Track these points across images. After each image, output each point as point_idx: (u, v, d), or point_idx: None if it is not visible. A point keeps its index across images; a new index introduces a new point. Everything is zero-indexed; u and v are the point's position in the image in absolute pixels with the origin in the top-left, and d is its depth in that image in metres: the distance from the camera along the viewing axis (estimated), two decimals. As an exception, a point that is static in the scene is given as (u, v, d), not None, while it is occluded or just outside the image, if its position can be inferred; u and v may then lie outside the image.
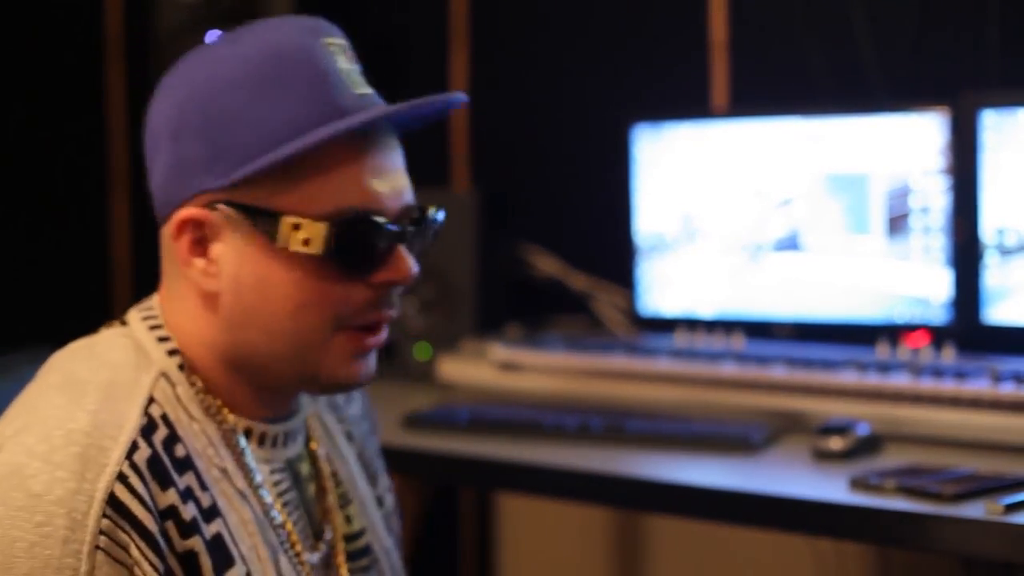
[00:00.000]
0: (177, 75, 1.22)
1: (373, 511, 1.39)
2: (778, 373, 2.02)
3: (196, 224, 1.19)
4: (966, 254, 2.02)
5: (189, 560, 1.14)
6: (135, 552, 1.10)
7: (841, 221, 2.16)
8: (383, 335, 1.24)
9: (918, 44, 2.27)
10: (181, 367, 1.22)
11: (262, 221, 1.17)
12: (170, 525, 1.13)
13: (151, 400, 1.18)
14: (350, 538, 1.34)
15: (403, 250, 1.22)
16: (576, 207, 2.72)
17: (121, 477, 1.11)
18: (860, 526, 1.64)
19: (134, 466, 1.12)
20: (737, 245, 2.27)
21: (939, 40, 2.26)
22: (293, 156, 1.15)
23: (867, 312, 2.15)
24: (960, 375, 1.88)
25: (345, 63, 1.21)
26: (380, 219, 1.19)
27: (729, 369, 2.07)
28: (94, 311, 1.78)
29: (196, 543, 1.14)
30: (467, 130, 2.85)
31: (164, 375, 1.20)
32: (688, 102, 2.54)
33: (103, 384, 1.17)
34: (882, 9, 2.32)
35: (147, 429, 1.15)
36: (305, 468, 1.31)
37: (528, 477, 1.90)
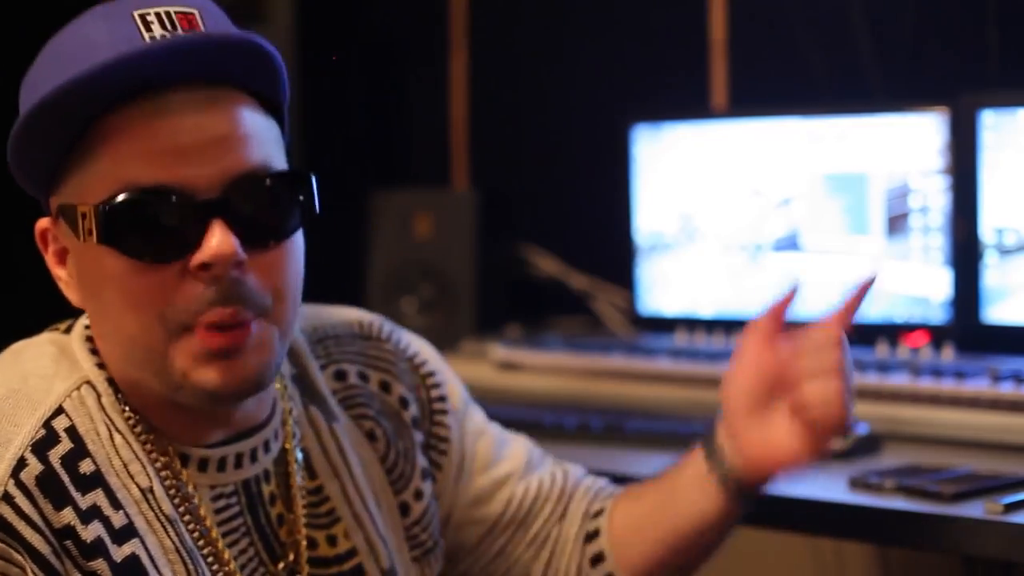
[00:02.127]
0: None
1: (377, 527, 1.26)
2: (778, 373, 2.01)
3: (52, 235, 1.14)
4: (965, 254, 2.01)
5: None
6: (31, 574, 1.04)
7: (840, 221, 2.16)
8: (239, 333, 1.08)
9: (917, 44, 2.27)
10: (111, 380, 1.14)
11: (70, 218, 1.09)
12: (69, 545, 1.07)
13: (58, 412, 1.10)
14: (330, 562, 1.23)
15: (221, 225, 1.06)
16: (576, 207, 2.72)
17: (6, 497, 1.05)
18: (859, 526, 1.64)
19: (20, 484, 1.06)
20: (737, 245, 2.27)
21: (938, 40, 2.26)
22: (34, 125, 1.04)
23: (866, 312, 2.15)
24: (959, 375, 1.88)
25: (160, 30, 1.07)
26: (168, 193, 1.05)
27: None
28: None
29: (100, 566, 1.07)
30: (467, 130, 2.85)
31: (89, 383, 1.13)
32: (688, 102, 2.54)
33: (4, 395, 1.11)
34: (881, 9, 2.32)
35: (41, 443, 1.08)
36: (270, 487, 1.20)
37: (528, 477, 1.90)
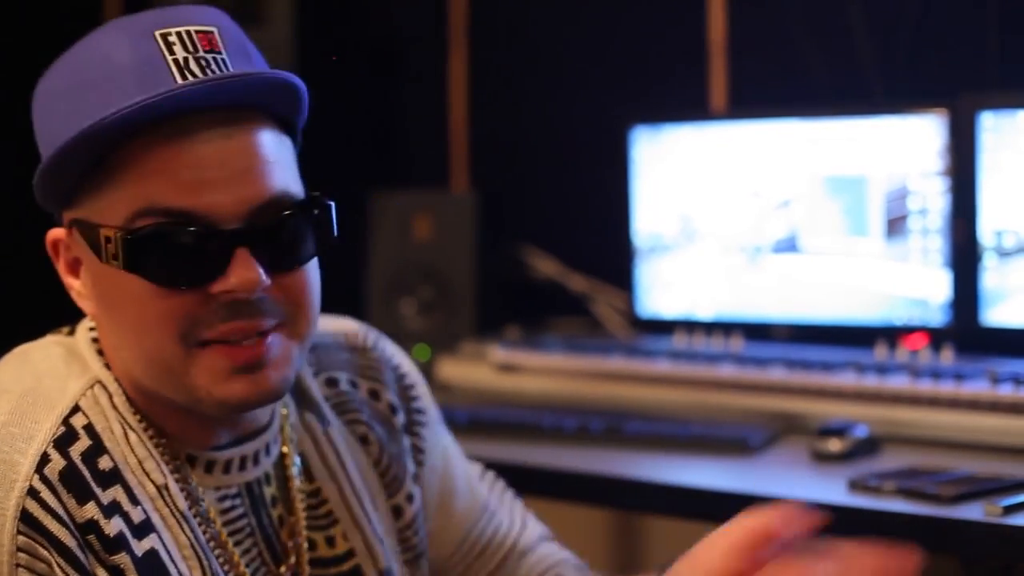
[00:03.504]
0: (38, 85, 1.16)
1: (374, 529, 1.28)
2: (777, 375, 2.02)
3: (65, 245, 1.15)
4: (965, 256, 2.02)
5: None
6: (57, 569, 1.05)
7: (840, 223, 2.16)
8: (261, 348, 1.10)
9: (917, 46, 2.27)
10: (119, 381, 1.15)
11: (90, 237, 1.10)
12: (92, 539, 1.08)
13: (75, 410, 1.12)
14: (329, 562, 1.25)
15: (245, 255, 1.08)
16: (575, 208, 2.72)
17: (32, 492, 1.06)
18: (859, 528, 1.64)
19: (45, 479, 1.07)
20: (736, 247, 2.27)
21: (938, 42, 2.26)
22: (73, 151, 1.06)
23: (866, 314, 2.15)
24: (959, 377, 1.88)
25: (182, 52, 1.08)
26: (192, 220, 1.06)
27: (728, 371, 2.07)
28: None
29: (123, 559, 1.08)
30: (466, 131, 2.85)
31: (100, 383, 1.14)
32: (687, 104, 2.54)
33: (21, 393, 1.12)
34: (881, 11, 2.32)
35: (62, 440, 1.09)
36: (271, 490, 1.22)
37: (527, 478, 1.90)
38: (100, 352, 1.17)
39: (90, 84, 1.08)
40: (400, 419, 1.35)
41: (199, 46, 1.09)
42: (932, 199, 2.07)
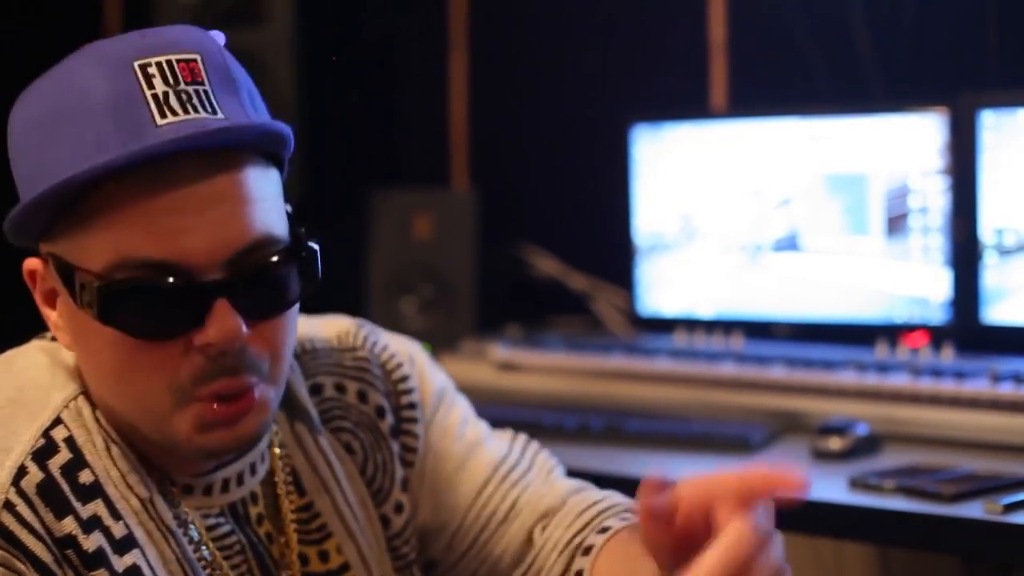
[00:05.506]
0: (14, 108, 1.11)
1: (367, 538, 1.25)
2: (777, 373, 2.02)
3: (41, 276, 1.11)
4: (965, 254, 2.02)
5: None
6: None
7: (840, 221, 2.16)
8: (248, 403, 1.07)
9: (917, 44, 2.27)
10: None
11: (65, 276, 1.06)
12: (70, 554, 1.05)
13: (56, 422, 1.09)
14: None
15: (225, 306, 1.03)
16: (576, 207, 2.72)
17: (8, 505, 1.04)
18: (859, 526, 1.64)
19: (22, 492, 1.05)
20: (736, 245, 2.27)
21: (938, 40, 2.27)
22: (47, 200, 1.02)
23: (866, 312, 2.16)
24: (959, 375, 1.88)
25: (162, 85, 1.03)
26: (169, 271, 1.02)
27: (728, 369, 2.07)
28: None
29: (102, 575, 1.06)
30: (467, 130, 2.86)
31: (84, 394, 1.11)
32: (687, 102, 2.54)
33: (2, 404, 1.10)
34: (881, 9, 2.32)
35: (41, 452, 1.07)
36: (257, 508, 1.19)
37: (528, 477, 1.90)
38: None
39: (66, 117, 1.04)
40: (389, 421, 1.30)
41: (180, 78, 1.04)
42: (932, 197, 2.07)
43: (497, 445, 1.35)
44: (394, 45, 2.94)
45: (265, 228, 1.06)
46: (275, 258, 1.07)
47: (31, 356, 1.15)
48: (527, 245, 2.67)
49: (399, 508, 1.29)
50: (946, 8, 2.27)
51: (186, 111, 1.03)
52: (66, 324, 1.11)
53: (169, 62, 1.04)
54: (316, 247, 1.12)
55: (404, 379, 1.33)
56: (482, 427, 1.38)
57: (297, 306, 1.13)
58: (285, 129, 1.08)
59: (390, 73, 2.95)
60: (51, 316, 1.12)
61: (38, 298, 1.13)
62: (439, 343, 2.46)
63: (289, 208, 1.14)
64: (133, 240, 1.02)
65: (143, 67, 1.03)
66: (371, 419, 1.30)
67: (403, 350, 1.36)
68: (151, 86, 1.03)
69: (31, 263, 1.12)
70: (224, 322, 1.03)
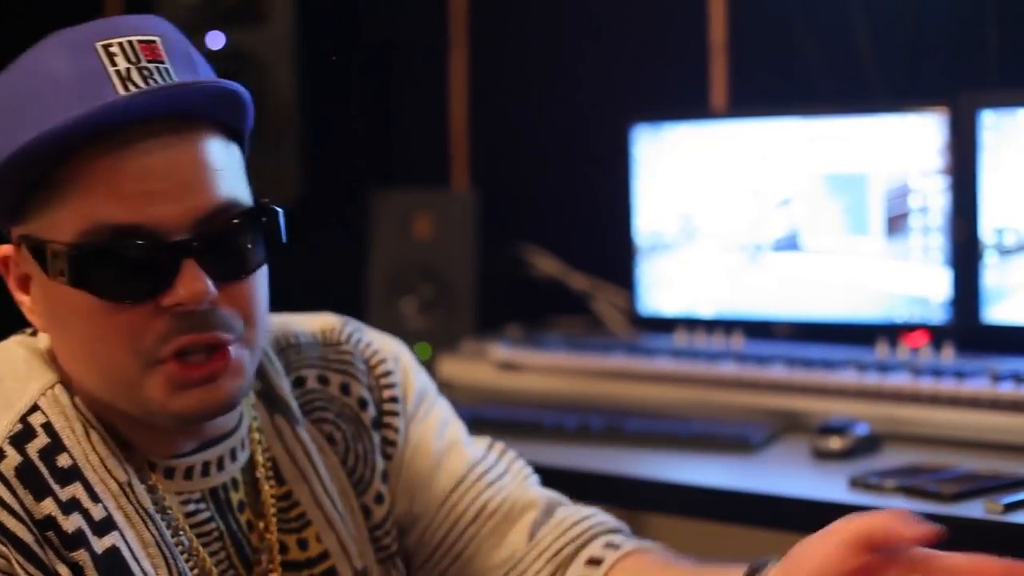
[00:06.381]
0: None
1: (347, 528, 1.26)
2: (777, 373, 2.02)
3: (14, 262, 1.14)
4: (965, 254, 2.02)
5: (77, 573, 1.08)
6: (16, 565, 1.06)
7: (840, 221, 2.16)
8: (220, 362, 1.10)
9: (917, 44, 2.27)
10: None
11: (38, 253, 1.10)
12: (51, 535, 1.08)
13: (33, 408, 1.12)
14: (302, 565, 1.23)
15: (192, 266, 1.07)
16: (576, 207, 2.72)
17: None
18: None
19: (0, 476, 1.08)
20: (736, 245, 2.27)
21: (938, 40, 2.26)
22: (17, 166, 1.05)
23: (866, 312, 2.16)
24: (959, 375, 1.88)
25: (124, 63, 1.07)
26: (138, 233, 1.06)
27: (729, 369, 2.07)
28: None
29: (82, 556, 1.08)
30: (467, 130, 2.86)
31: (62, 383, 1.14)
32: (687, 102, 2.54)
33: None
34: (881, 9, 2.32)
35: (18, 437, 1.10)
36: (238, 495, 1.21)
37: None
38: None
39: (31, 98, 1.07)
40: (370, 413, 1.32)
41: (141, 56, 1.08)
42: (933, 197, 2.07)
43: (474, 449, 1.38)
44: (394, 45, 2.93)
45: (230, 193, 1.10)
46: (238, 220, 1.10)
47: (9, 349, 1.18)
48: (527, 245, 2.67)
49: (379, 499, 1.31)
50: (946, 8, 2.27)
51: (147, 84, 1.07)
52: (39, 305, 1.14)
53: (131, 42, 1.08)
54: (279, 210, 1.15)
55: (387, 374, 1.35)
56: (461, 431, 1.40)
57: (265, 269, 1.16)
58: (241, 90, 1.11)
59: (390, 73, 2.94)
60: (25, 301, 1.15)
61: (12, 284, 1.16)
62: (439, 343, 2.46)
63: (264, 199, 1.16)
64: (102, 207, 1.06)
65: (106, 47, 1.08)
66: (353, 410, 1.32)
67: (387, 348, 1.38)
68: (114, 63, 1.07)
69: (3, 249, 1.15)
70: (192, 281, 1.07)
